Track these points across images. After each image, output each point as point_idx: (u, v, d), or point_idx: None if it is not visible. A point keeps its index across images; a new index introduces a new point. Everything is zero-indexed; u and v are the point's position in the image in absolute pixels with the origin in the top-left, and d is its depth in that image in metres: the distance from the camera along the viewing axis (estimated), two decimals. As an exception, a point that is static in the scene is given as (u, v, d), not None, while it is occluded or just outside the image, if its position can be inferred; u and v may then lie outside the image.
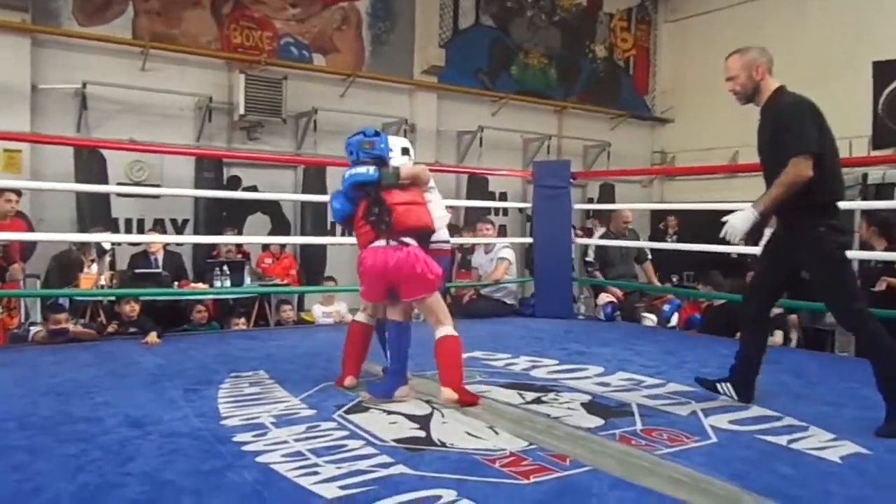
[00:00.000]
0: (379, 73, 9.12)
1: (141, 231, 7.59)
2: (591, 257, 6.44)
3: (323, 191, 8.14)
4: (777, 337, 5.56)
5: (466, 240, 7.07)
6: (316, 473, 2.17)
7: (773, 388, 3.33)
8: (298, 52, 8.76)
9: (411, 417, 2.82)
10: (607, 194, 10.90)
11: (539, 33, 10.75)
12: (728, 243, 2.99)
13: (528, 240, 6.66)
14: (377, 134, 3.30)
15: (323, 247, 8.32)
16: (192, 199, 7.97)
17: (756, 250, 3.91)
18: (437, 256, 3.34)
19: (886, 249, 4.82)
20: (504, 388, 3.34)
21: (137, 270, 6.18)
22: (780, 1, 9.96)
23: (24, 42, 6.99)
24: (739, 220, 2.79)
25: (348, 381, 3.32)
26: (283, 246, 7.63)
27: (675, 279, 8.27)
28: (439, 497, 1.99)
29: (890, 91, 9.10)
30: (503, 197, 9.82)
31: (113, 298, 5.43)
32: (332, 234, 8.73)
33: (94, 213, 7.07)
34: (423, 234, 3.19)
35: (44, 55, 7.16)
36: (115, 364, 3.84)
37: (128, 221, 7.68)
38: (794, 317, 5.69)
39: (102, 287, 5.67)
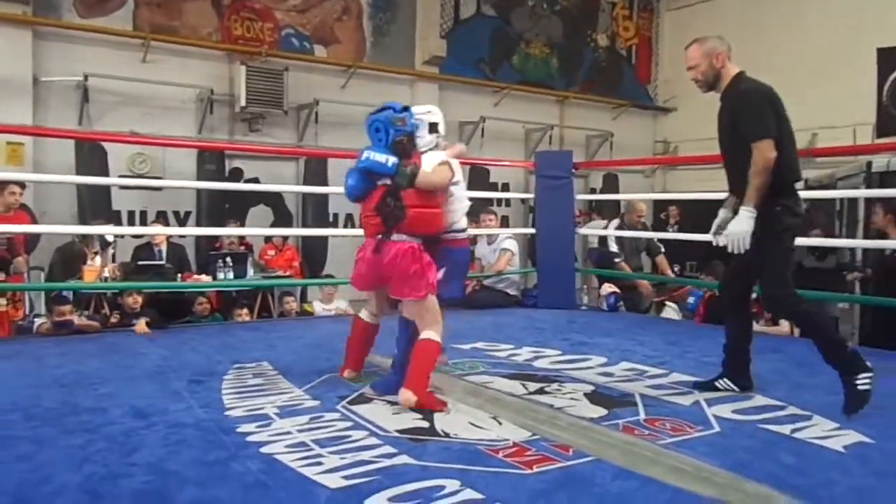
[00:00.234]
0: (380, 64, 9.10)
1: (144, 223, 7.60)
2: (614, 248, 6.29)
3: (324, 182, 8.15)
4: (784, 326, 5.56)
5: (469, 231, 7.05)
6: (320, 464, 2.18)
7: (775, 377, 3.33)
8: (299, 44, 8.75)
9: (414, 409, 2.82)
10: (611, 184, 10.88)
11: (540, 22, 10.70)
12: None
13: (531, 230, 6.66)
14: (406, 109, 3.09)
15: (324, 239, 8.32)
16: (194, 192, 7.99)
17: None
18: (452, 248, 3.21)
19: None
20: (507, 378, 3.34)
21: (141, 262, 6.19)
22: (783, -11, 9.91)
23: (25, 34, 6.99)
24: (741, 225, 2.80)
25: (347, 373, 3.33)
26: (285, 238, 7.64)
27: (676, 269, 8.25)
28: (443, 487, 2.00)
29: (893, 79, 9.06)
30: (505, 188, 9.81)
31: (117, 291, 5.44)
32: (335, 226, 8.74)
33: (95, 205, 7.10)
34: (433, 238, 3.07)
35: (45, 47, 7.16)
36: (119, 356, 3.85)
37: (130, 214, 7.70)
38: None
39: (106, 279, 5.69)
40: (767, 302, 3.13)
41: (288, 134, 8.59)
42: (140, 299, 4.96)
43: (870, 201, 5.43)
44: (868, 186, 5.52)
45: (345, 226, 8.90)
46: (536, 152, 8.25)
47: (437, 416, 2.70)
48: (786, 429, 2.60)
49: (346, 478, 2.07)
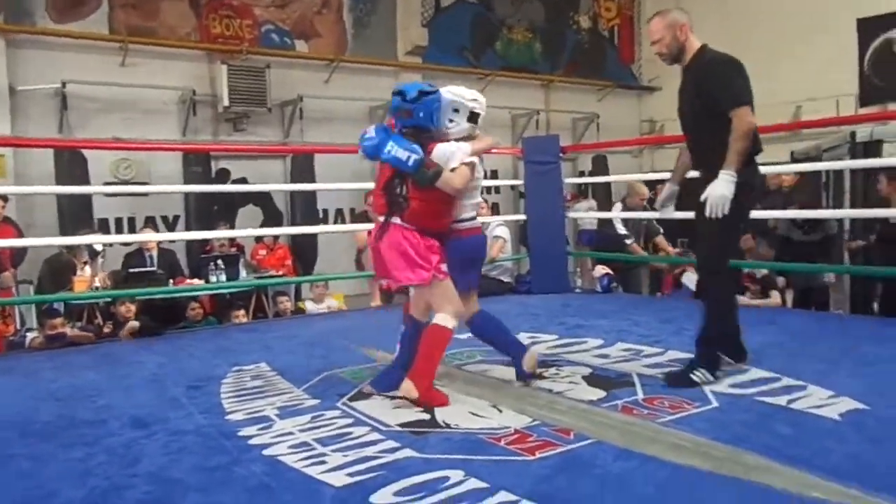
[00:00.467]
0: (362, 57, 9.05)
1: (132, 230, 7.56)
2: (623, 230, 6.24)
3: (311, 179, 8.13)
4: (775, 297, 5.61)
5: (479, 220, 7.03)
6: (323, 462, 2.18)
7: (770, 349, 3.36)
8: (280, 39, 8.69)
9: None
10: (600, 166, 10.88)
11: (522, 7, 10.67)
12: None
13: (522, 217, 6.66)
14: (425, 94, 2.76)
15: (314, 236, 8.30)
16: (181, 195, 7.94)
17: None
18: (458, 238, 2.96)
19: None
20: (505, 366, 3.34)
21: (132, 270, 6.16)
22: (763, -38, 9.90)
23: (-2, 43, 6.91)
24: (721, 189, 2.75)
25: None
26: (276, 237, 7.62)
27: (678, 249, 8.26)
28: (447, 478, 2.01)
29: (875, 47, 9.09)
30: (494, 175, 9.80)
31: (109, 300, 5.42)
32: (324, 222, 8.72)
33: (77, 215, 7.00)
34: (432, 232, 2.86)
35: (20, 56, 7.09)
36: (114, 366, 3.84)
37: (118, 221, 7.65)
38: (781, 279, 5.73)
39: (97, 288, 5.66)
40: (700, 265, 3.17)
41: (273, 132, 8.55)
42: (133, 307, 4.93)
43: (855, 172, 5.46)
44: (853, 157, 5.54)
45: (335, 221, 8.89)
46: (523, 138, 8.24)
47: (437, 407, 2.71)
48: (782, 400, 2.62)
49: (350, 475, 2.07)
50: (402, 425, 2.53)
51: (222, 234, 6.96)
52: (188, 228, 7.78)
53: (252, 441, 2.43)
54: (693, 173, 3.16)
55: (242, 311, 6.19)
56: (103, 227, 7.36)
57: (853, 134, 5.61)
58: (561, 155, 6.19)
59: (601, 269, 6.13)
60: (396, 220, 2.82)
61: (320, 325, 5.07)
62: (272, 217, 8.55)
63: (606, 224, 6.55)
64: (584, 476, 2.02)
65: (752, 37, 8.52)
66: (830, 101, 8.65)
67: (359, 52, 9.10)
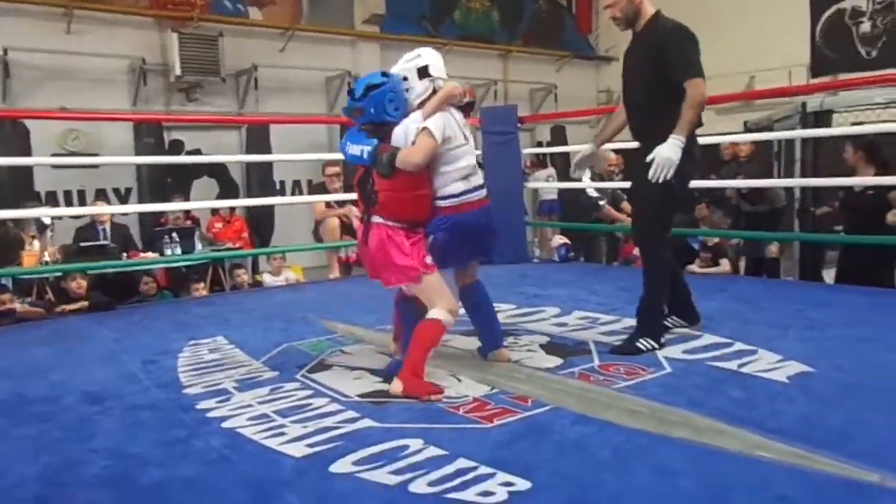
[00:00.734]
0: (318, 25, 8.89)
1: (82, 202, 7.35)
2: (594, 193, 6.21)
3: (267, 150, 8.00)
4: (725, 265, 5.75)
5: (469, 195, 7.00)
6: (283, 434, 2.18)
7: (722, 315, 3.45)
8: (233, 7, 8.47)
9: (375, 372, 2.84)
10: (558, 136, 10.93)
11: (480, -25, 10.57)
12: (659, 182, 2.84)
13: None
14: (372, 88, 2.64)
15: (270, 208, 8.19)
16: (133, 167, 7.75)
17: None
18: (450, 216, 2.70)
19: (876, 175, 4.61)
20: (464, 335, 3.37)
21: (83, 243, 6.01)
22: (717, -70, 9.95)
23: (-65, 10, 6.60)
24: (668, 152, 2.74)
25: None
26: (232, 209, 7.50)
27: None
28: (406, 447, 2.03)
29: (826, 19, 9.26)
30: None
31: (59, 274, 5.28)
32: (281, 193, 8.61)
33: (16, 188, 6.76)
34: (415, 222, 2.71)
35: (-42, 22, 6.78)
36: (67, 341, 3.75)
37: (67, 193, 7.43)
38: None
39: (47, 263, 5.51)
40: (636, 234, 3.19)
41: (228, 102, 8.36)
42: (84, 284, 4.81)
43: (806, 142, 5.58)
44: (804, 127, 5.66)
45: (292, 193, 8.78)
46: (481, 108, 8.20)
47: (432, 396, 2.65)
48: (733, 364, 2.70)
49: (309, 446, 2.08)
50: (361, 396, 2.54)
51: (177, 206, 6.81)
52: (141, 201, 7.61)
53: (210, 414, 2.41)
54: (631, 144, 3.15)
55: (202, 284, 6.10)
56: (52, 200, 7.15)
57: (804, 104, 5.72)
58: (519, 125, 6.19)
59: (559, 239, 6.20)
60: (378, 218, 2.68)
61: (279, 298, 5.03)
62: (228, 189, 8.40)
63: (578, 189, 6.59)
64: (543, 442, 2.06)
65: (705, 6, 8.60)
66: (783, 71, 8.81)
67: (315, 20, 8.93)
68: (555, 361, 2.87)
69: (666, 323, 3.17)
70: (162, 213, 6.98)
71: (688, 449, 1.96)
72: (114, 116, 7.26)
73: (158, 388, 2.77)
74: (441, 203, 2.70)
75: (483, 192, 2.75)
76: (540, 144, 10.78)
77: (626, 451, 1.96)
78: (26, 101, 7.07)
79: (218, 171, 8.33)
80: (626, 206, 6.63)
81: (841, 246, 5.17)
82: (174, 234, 6.23)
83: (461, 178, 2.69)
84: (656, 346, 2.94)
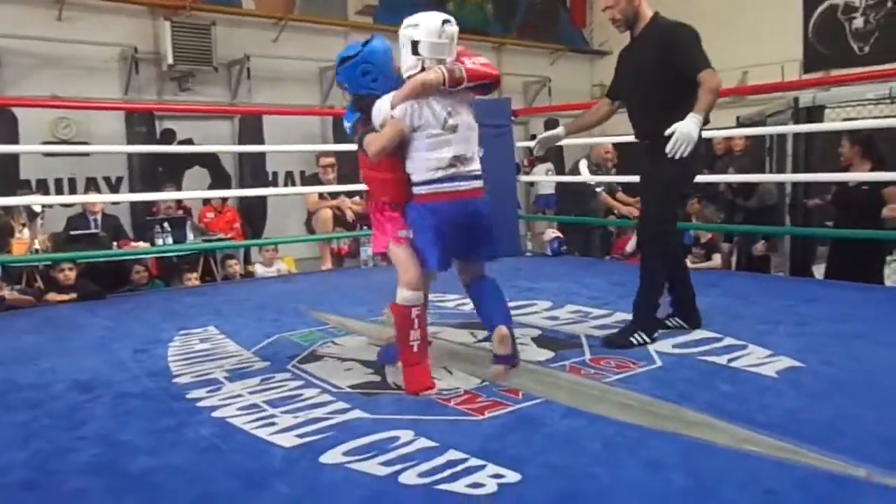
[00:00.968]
0: (312, 16, 8.83)
1: (73, 191, 7.30)
2: (592, 181, 6.23)
3: (260, 141, 7.96)
4: (717, 260, 5.77)
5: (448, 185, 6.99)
6: (273, 424, 2.18)
7: (713, 310, 3.46)
8: (226, -5, 8.40)
9: (366, 363, 2.84)
10: (552, 129, 10.90)
11: (474, -33, 10.53)
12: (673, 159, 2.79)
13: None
14: (346, 60, 2.56)
15: (263, 199, 8.17)
16: (125, 156, 7.70)
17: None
18: (425, 204, 2.56)
19: (873, 170, 4.61)
20: (456, 328, 3.38)
21: (73, 232, 5.97)
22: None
23: (-76, -5, 6.52)
24: (688, 127, 2.68)
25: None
26: (224, 199, 7.47)
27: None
28: (397, 438, 2.03)
29: (818, 14, 9.28)
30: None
31: (49, 263, 5.25)
32: (274, 184, 8.58)
33: (2, 175, 6.68)
34: (394, 203, 2.65)
35: (-52, 9, 6.71)
36: (57, 329, 3.73)
37: (58, 182, 7.38)
38: (726, 244, 5.89)
39: (37, 251, 5.47)
40: (640, 228, 3.21)
41: (220, 92, 8.31)
42: (73, 274, 4.79)
43: (798, 136, 5.59)
44: (796, 122, 5.67)
45: (285, 184, 8.74)
46: (475, 100, 8.18)
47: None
48: (723, 359, 2.71)
49: (300, 436, 2.08)
50: (352, 387, 2.54)
51: (170, 195, 6.79)
52: (132, 190, 7.56)
53: (201, 403, 2.41)
54: (628, 138, 3.16)
55: (194, 274, 6.08)
56: (42, 188, 7.09)
57: (796, 100, 5.72)
58: (513, 118, 6.19)
59: (551, 233, 6.20)
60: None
61: (270, 289, 5.02)
62: (220, 179, 8.36)
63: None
64: (534, 434, 2.07)
65: (699, 2, 8.60)
66: (776, 66, 8.82)
67: (308, 10, 8.87)
68: (546, 355, 2.88)
69: (667, 322, 3.18)
70: (153, 203, 6.94)
71: (677, 442, 1.96)
72: (105, 105, 7.21)
73: (149, 377, 2.76)
74: (416, 190, 2.57)
75: (474, 184, 2.59)
76: (534, 137, 10.76)
77: (616, 445, 1.97)
78: (16, 88, 7.01)
79: (210, 162, 8.29)
80: (621, 195, 6.66)
81: (830, 241, 5.19)
82: (166, 224, 6.19)
83: (438, 167, 2.52)
84: (649, 340, 2.95)
